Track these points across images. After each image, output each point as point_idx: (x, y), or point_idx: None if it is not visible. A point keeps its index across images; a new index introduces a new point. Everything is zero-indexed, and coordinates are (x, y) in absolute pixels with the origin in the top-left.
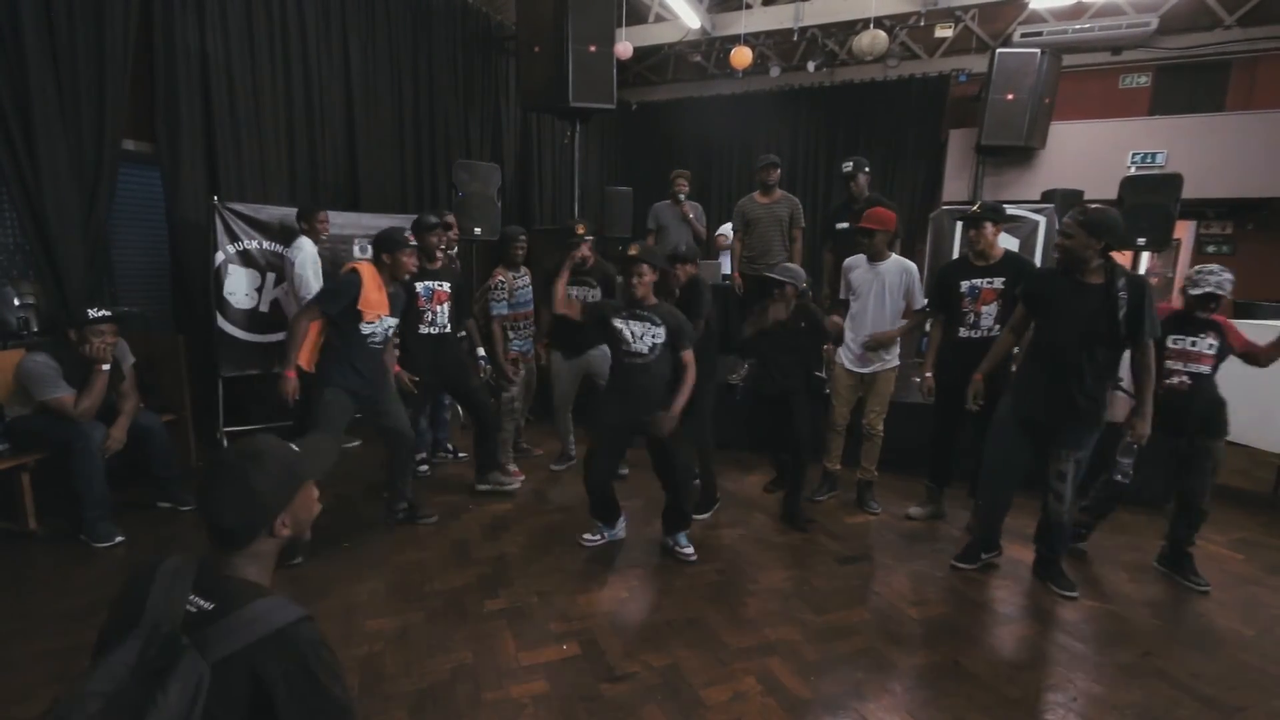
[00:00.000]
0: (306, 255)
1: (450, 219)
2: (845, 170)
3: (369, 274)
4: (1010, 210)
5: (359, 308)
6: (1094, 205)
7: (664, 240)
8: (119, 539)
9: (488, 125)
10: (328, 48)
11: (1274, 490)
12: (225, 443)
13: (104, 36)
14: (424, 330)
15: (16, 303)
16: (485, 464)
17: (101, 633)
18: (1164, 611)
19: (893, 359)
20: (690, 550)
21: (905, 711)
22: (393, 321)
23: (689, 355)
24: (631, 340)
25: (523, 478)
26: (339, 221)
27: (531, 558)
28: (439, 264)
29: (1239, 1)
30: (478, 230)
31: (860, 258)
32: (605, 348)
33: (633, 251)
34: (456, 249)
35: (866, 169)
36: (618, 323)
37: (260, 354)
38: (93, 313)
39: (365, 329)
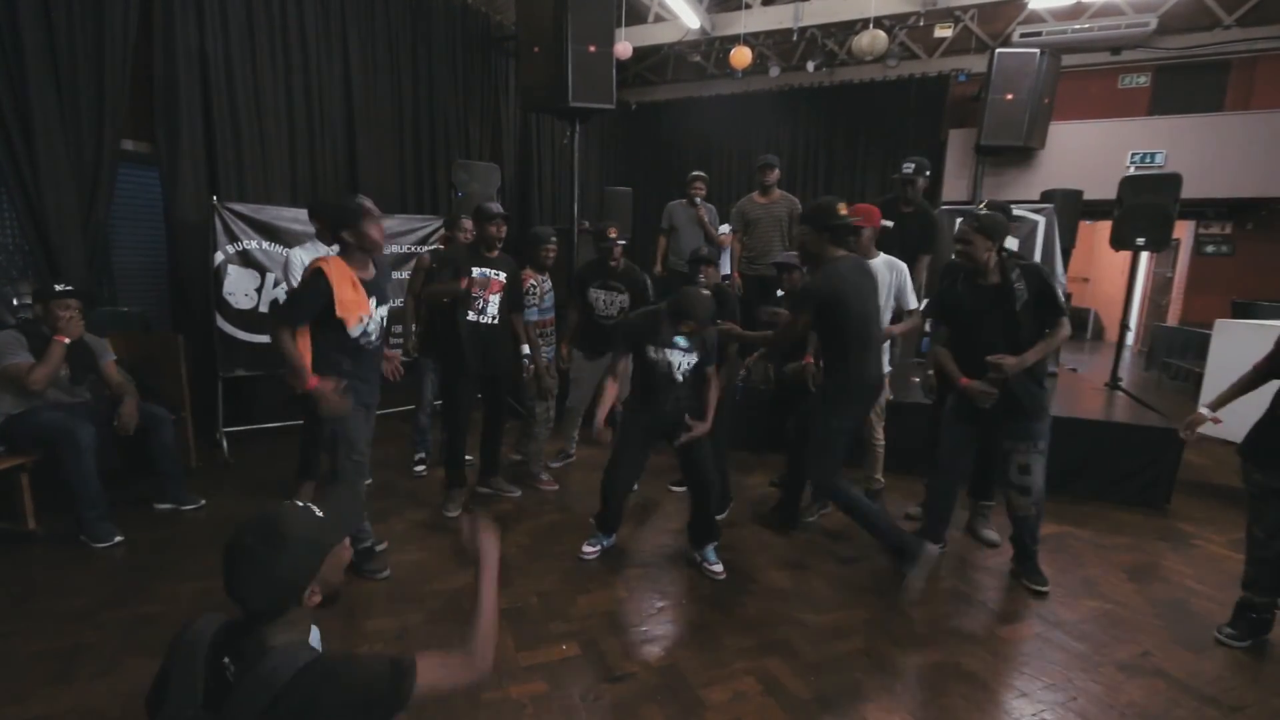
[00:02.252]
0: (294, 261)
1: (467, 223)
2: (906, 172)
3: (337, 270)
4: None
5: (338, 315)
6: (982, 212)
7: (677, 240)
8: (118, 539)
9: (487, 125)
10: (327, 48)
11: None
12: (225, 443)
13: (103, 36)
14: (472, 317)
15: (16, 303)
16: (489, 468)
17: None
18: (1163, 611)
19: (885, 361)
20: (719, 567)
21: (905, 711)
22: (384, 312)
23: (713, 370)
24: (669, 369)
25: (556, 487)
26: None
27: (531, 558)
28: (495, 254)
29: (1238, 1)
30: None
31: None
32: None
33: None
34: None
35: (928, 173)
36: (654, 354)
37: (260, 355)
38: (58, 287)
39: (354, 331)
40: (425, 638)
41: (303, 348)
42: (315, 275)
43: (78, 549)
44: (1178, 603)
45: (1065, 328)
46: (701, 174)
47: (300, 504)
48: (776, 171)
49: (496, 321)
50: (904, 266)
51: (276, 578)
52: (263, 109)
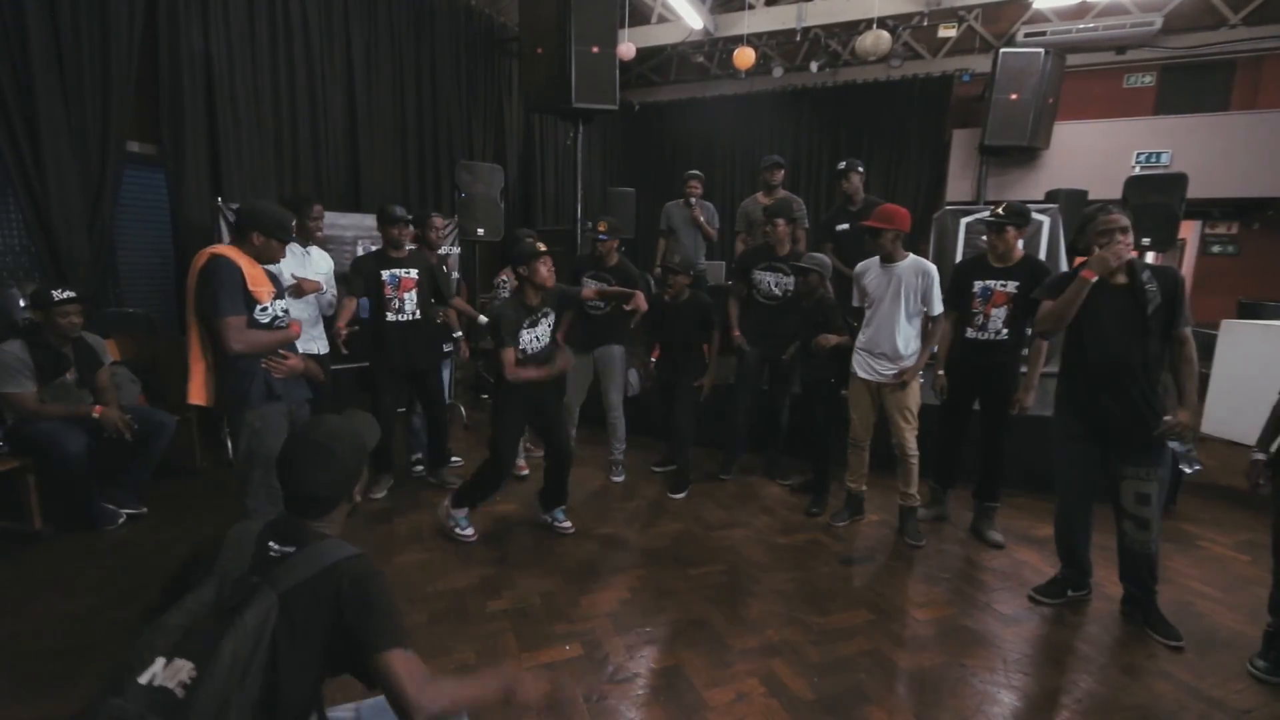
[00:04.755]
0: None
1: (438, 220)
2: (839, 169)
3: (233, 252)
4: None
5: (250, 289)
6: (1098, 204)
7: (676, 241)
8: (121, 519)
9: (490, 126)
10: (330, 50)
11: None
12: (230, 444)
13: (108, 39)
14: (391, 318)
15: (22, 304)
16: (435, 460)
17: (167, 589)
18: (1168, 613)
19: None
20: (569, 524)
21: (909, 713)
22: (284, 304)
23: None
24: (537, 343)
25: (526, 471)
26: (341, 223)
27: (534, 558)
28: (404, 254)
29: (1243, 0)
30: (481, 231)
31: (872, 261)
32: (613, 347)
33: (541, 248)
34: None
35: (860, 169)
36: (525, 335)
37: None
38: (57, 294)
39: (263, 317)
40: (428, 638)
41: (199, 367)
42: (215, 260)
43: (83, 549)
44: (1183, 605)
45: (1191, 342)
46: (697, 174)
47: (334, 415)
48: (782, 172)
49: (417, 317)
50: (932, 270)
51: (339, 468)
52: (266, 110)
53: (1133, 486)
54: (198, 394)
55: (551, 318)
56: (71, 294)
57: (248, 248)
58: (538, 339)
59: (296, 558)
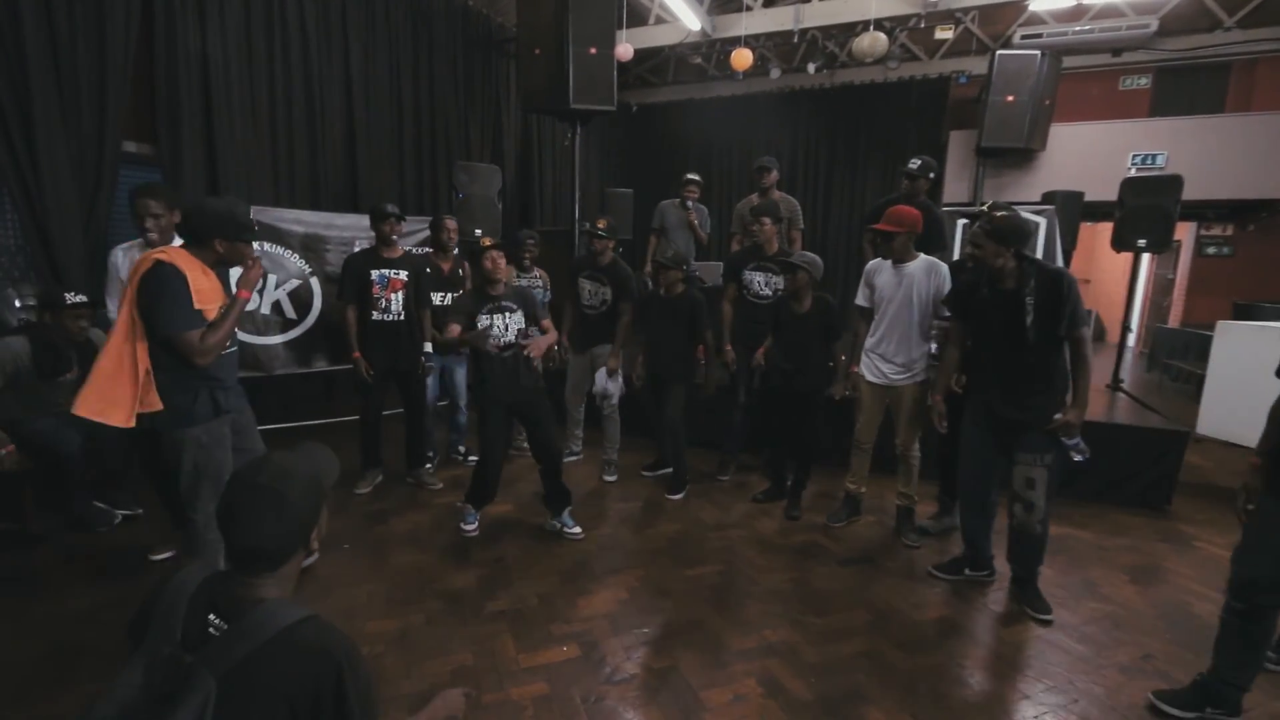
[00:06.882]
0: (119, 261)
1: (450, 223)
2: (911, 168)
3: (182, 259)
4: None
5: (196, 307)
6: (1000, 213)
7: (665, 241)
8: (118, 520)
9: (488, 127)
10: (328, 50)
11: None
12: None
13: (105, 39)
14: (376, 317)
15: (18, 304)
16: (414, 459)
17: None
18: (1165, 613)
19: (919, 372)
20: (578, 530)
21: (906, 714)
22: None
23: (548, 323)
24: (501, 334)
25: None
26: (338, 224)
27: (532, 559)
28: (398, 253)
29: (1238, 3)
30: (478, 232)
31: (884, 261)
32: (610, 346)
33: (486, 242)
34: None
35: (933, 174)
36: (484, 319)
37: (260, 356)
38: (70, 297)
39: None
40: (426, 639)
41: (121, 369)
42: (161, 268)
43: (79, 550)
44: (1179, 605)
45: (1085, 343)
46: (696, 177)
47: (285, 452)
48: (774, 173)
49: (401, 318)
50: (944, 269)
51: (292, 515)
52: (263, 111)
53: (1023, 472)
54: (122, 414)
55: (519, 315)
56: (84, 298)
57: (208, 254)
58: (497, 329)
59: (235, 631)
